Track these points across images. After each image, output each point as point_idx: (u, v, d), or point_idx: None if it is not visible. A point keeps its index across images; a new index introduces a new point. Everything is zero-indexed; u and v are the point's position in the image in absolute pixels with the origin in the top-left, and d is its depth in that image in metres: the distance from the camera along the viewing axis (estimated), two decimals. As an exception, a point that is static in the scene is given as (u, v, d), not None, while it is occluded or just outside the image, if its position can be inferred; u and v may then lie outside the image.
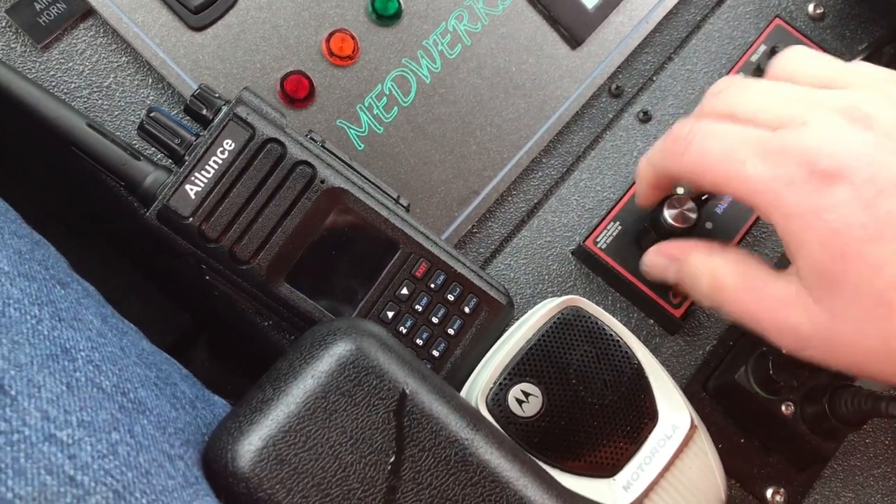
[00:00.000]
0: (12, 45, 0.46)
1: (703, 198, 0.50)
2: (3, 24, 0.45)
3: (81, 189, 0.57)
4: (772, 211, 0.37)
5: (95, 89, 0.47)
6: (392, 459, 0.34)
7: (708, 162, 0.39)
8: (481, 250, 0.52)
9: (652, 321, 0.51)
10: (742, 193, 0.38)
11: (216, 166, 0.42)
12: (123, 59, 0.47)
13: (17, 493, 0.26)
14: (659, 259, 0.46)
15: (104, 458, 0.29)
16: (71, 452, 0.28)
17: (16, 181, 0.43)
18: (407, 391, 0.35)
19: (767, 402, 0.47)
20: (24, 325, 0.31)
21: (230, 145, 0.42)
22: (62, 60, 0.46)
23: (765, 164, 0.37)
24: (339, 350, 0.35)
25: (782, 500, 0.49)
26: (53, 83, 0.46)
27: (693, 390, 0.50)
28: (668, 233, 0.48)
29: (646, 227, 0.49)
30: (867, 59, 0.55)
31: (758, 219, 0.52)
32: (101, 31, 0.47)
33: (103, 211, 0.59)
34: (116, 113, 0.47)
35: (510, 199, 0.53)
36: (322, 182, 0.43)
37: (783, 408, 0.47)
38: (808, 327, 0.37)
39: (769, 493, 0.49)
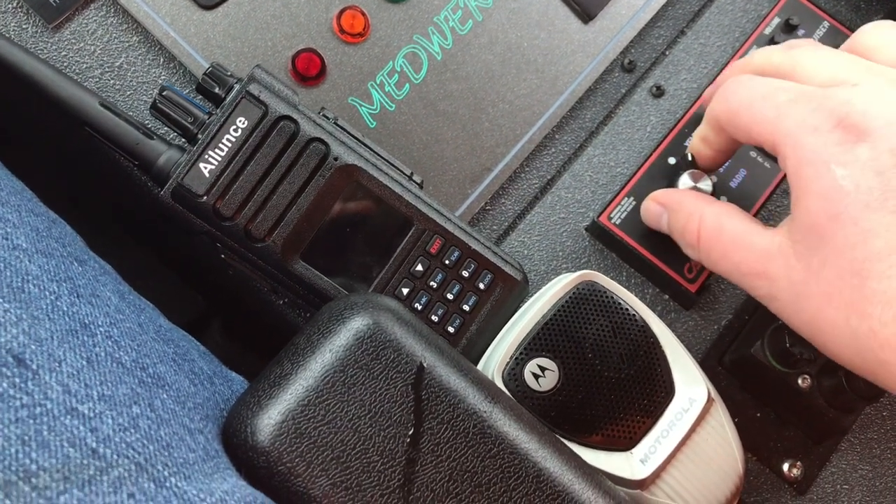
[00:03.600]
0: (24, 26, 0.45)
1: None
2: (15, 4, 0.45)
3: (92, 171, 0.57)
4: (788, 154, 0.37)
5: (107, 69, 0.47)
6: (411, 432, 0.34)
7: (747, 101, 0.40)
8: (495, 227, 0.52)
9: (667, 296, 0.51)
10: (768, 135, 0.38)
11: (230, 144, 0.42)
12: (134, 38, 0.47)
13: (42, 465, 0.26)
14: (654, 206, 0.47)
15: (125, 432, 0.29)
16: (93, 425, 0.28)
17: (27, 162, 0.43)
18: (424, 364, 0.35)
19: (783, 375, 0.47)
20: (44, 300, 0.31)
21: (243, 123, 0.42)
22: (73, 41, 0.46)
23: (798, 109, 0.37)
24: (356, 324, 0.35)
25: (799, 472, 0.49)
26: (65, 63, 0.46)
27: (709, 365, 0.50)
28: (683, 207, 0.47)
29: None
30: (882, 30, 0.55)
31: (771, 194, 0.52)
32: (112, 10, 0.47)
33: (114, 193, 0.59)
34: (129, 93, 0.47)
35: (523, 175, 0.52)
36: (336, 159, 0.43)
37: (799, 381, 0.47)
38: (784, 281, 0.37)
39: (786, 466, 0.49)
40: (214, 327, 0.73)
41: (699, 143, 0.47)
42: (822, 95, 0.36)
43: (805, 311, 0.36)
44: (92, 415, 0.28)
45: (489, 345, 0.45)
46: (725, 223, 0.41)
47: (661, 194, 0.47)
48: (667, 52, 0.55)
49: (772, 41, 0.54)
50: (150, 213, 0.56)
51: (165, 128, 0.46)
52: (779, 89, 0.38)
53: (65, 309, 0.31)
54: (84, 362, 0.30)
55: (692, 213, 0.43)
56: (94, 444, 0.28)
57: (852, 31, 0.55)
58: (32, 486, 0.25)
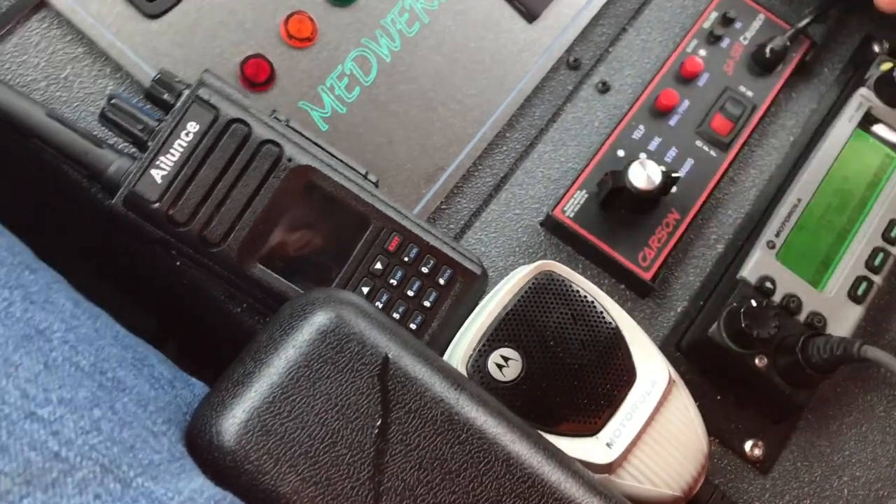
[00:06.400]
0: (-37, 40, 0.45)
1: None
2: (-47, 18, 0.45)
3: (38, 191, 0.56)
4: None
5: (53, 81, 0.46)
6: (379, 423, 0.34)
7: None
8: (451, 226, 0.52)
9: (623, 286, 0.52)
10: None
11: (181, 149, 0.41)
12: (79, 49, 0.47)
13: (2, 470, 0.25)
14: None
15: (88, 434, 0.28)
16: (54, 429, 0.28)
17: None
18: (389, 355, 0.35)
19: (741, 355, 0.48)
20: (-4, 307, 0.30)
21: (194, 127, 0.42)
22: (16, 54, 0.46)
23: None
24: (318, 319, 0.35)
25: (761, 452, 0.50)
26: (9, 77, 0.45)
27: (667, 350, 0.51)
28: (634, 196, 0.48)
29: (612, 191, 0.50)
30: (813, 21, 0.57)
31: (718, 182, 0.53)
32: (55, 22, 0.46)
33: (59, 211, 0.58)
34: (76, 104, 0.46)
35: (477, 173, 0.53)
36: (289, 160, 0.43)
37: (756, 361, 0.48)
38: None
39: (748, 446, 0.50)
40: (169, 347, 0.72)
41: None
42: None
43: None
44: (52, 419, 0.28)
45: (452, 339, 0.45)
46: None
47: None
48: (610, 49, 0.57)
49: (711, 35, 0.56)
50: (96, 229, 0.55)
51: (115, 138, 0.46)
52: None
53: (18, 315, 0.31)
54: (41, 367, 0.29)
55: None
56: (56, 448, 0.27)
57: (787, 22, 0.57)
58: (-7, 491, 0.25)
